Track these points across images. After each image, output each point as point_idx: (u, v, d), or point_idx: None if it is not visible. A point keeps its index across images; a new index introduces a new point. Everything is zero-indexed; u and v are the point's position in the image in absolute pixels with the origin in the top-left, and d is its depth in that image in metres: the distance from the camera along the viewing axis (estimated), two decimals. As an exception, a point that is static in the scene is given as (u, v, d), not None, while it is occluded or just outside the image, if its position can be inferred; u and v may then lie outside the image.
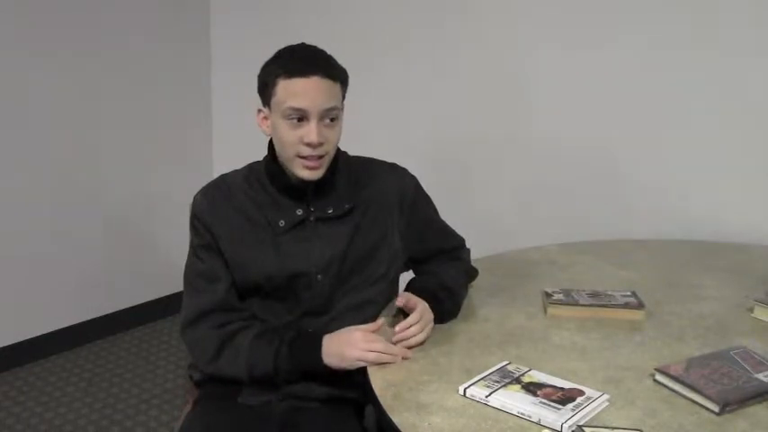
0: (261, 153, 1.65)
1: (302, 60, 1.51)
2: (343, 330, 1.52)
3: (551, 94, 2.57)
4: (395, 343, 1.47)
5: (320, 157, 1.53)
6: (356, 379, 1.55)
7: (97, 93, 3.14)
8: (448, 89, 2.80)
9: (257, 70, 1.57)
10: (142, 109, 3.31)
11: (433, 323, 1.53)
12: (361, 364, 1.45)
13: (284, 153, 1.55)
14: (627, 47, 2.40)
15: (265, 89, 1.55)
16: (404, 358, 1.45)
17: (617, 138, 2.47)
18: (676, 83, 2.34)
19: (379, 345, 1.45)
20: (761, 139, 2.24)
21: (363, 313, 1.59)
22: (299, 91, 1.49)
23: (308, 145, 1.51)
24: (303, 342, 1.53)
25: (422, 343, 1.49)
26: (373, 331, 1.50)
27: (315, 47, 1.57)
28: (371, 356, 1.44)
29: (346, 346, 1.47)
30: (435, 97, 2.83)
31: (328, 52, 1.57)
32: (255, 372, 1.54)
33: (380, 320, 1.54)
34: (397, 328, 1.47)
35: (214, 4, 3.47)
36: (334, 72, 1.53)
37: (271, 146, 1.62)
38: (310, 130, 1.50)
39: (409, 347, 1.47)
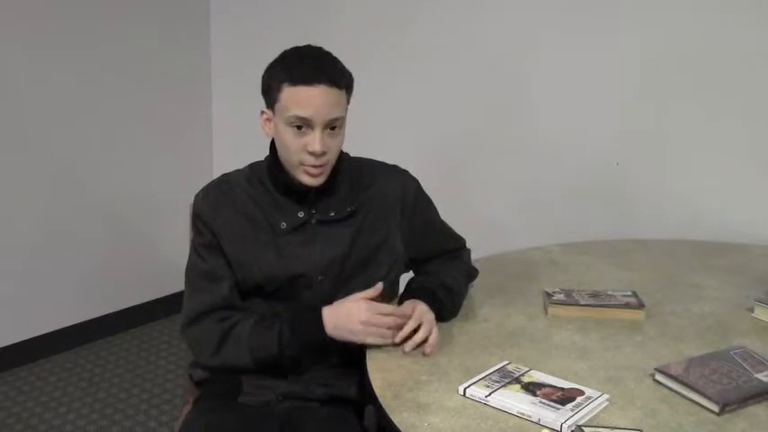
0: (261, 153, 1.65)
1: (308, 67, 1.49)
2: (345, 301, 1.51)
3: (552, 94, 2.57)
4: (408, 351, 1.47)
5: (322, 165, 1.53)
6: (356, 379, 1.56)
7: (97, 92, 3.14)
8: (448, 89, 2.80)
9: (257, 70, 1.57)
10: (142, 109, 3.31)
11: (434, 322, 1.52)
12: (370, 341, 1.46)
13: (287, 158, 1.55)
14: (627, 46, 2.40)
15: (269, 92, 1.54)
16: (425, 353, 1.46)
17: (617, 138, 2.47)
18: (677, 83, 2.34)
19: (388, 320, 1.46)
20: (761, 139, 2.25)
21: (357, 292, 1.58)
22: (304, 100, 1.48)
23: (311, 154, 1.51)
24: (303, 317, 1.53)
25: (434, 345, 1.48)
26: (374, 297, 1.49)
27: (321, 50, 1.55)
28: (373, 340, 1.46)
29: (353, 320, 1.47)
30: (436, 98, 2.83)
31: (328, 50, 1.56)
32: (260, 355, 1.53)
33: (379, 284, 1.53)
34: (398, 339, 1.47)
35: (214, 4, 3.47)
36: (339, 79, 1.52)
37: (272, 146, 1.61)
38: (314, 140, 1.50)
39: (432, 348, 1.46)
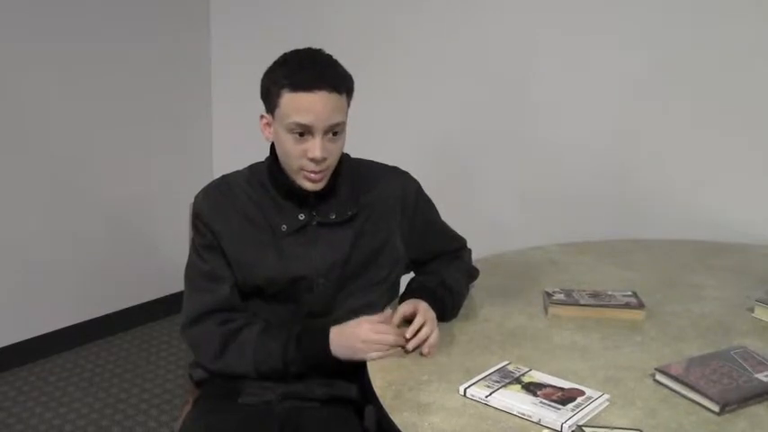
0: (261, 153, 1.65)
1: (308, 72, 1.48)
2: (351, 323, 1.51)
3: (552, 94, 2.57)
4: (411, 350, 1.47)
5: (323, 170, 1.53)
6: (356, 379, 1.56)
7: (97, 92, 3.14)
8: (448, 89, 2.79)
9: (257, 70, 1.56)
10: (142, 109, 3.31)
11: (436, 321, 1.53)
12: (371, 357, 1.45)
13: (287, 164, 1.55)
14: (628, 47, 2.40)
15: (269, 97, 1.53)
16: (424, 354, 1.46)
17: (618, 138, 2.47)
18: (677, 83, 2.34)
19: (390, 338, 1.46)
20: (761, 138, 2.25)
21: (364, 316, 1.59)
22: (304, 106, 1.47)
23: (312, 160, 1.50)
24: (311, 336, 1.53)
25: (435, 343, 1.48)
26: (381, 322, 1.50)
27: (321, 53, 1.54)
28: (376, 355, 1.45)
29: (355, 339, 1.47)
30: (436, 98, 2.83)
31: (328, 52, 1.55)
32: (263, 368, 1.54)
33: (388, 311, 1.54)
34: (408, 334, 1.47)
35: (214, 4, 3.47)
36: (340, 84, 1.51)
37: (273, 148, 1.61)
38: (314, 146, 1.49)
39: (430, 348, 1.46)
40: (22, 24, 2.87)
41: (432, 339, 1.47)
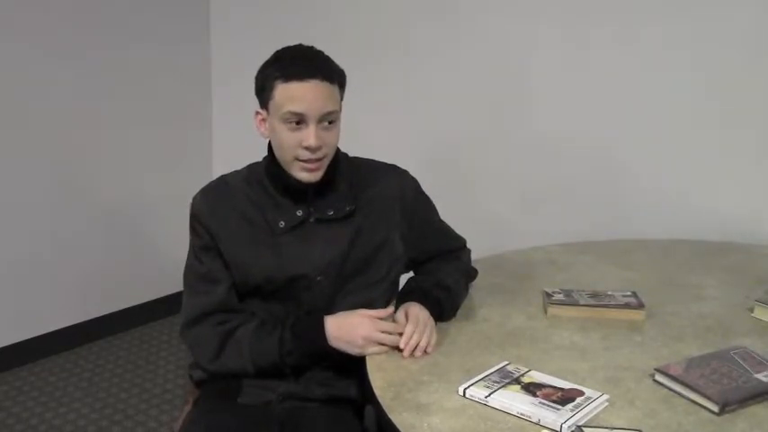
0: (260, 153, 1.65)
1: (300, 63, 1.51)
2: (350, 313, 1.52)
3: (552, 93, 2.57)
4: (406, 357, 1.47)
5: (319, 159, 1.54)
6: (356, 378, 1.56)
7: (97, 93, 3.14)
8: (448, 88, 2.79)
9: (257, 70, 1.57)
10: (142, 109, 3.31)
11: (432, 321, 1.53)
12: (369, 352, 1.46)
13: (282, 156, 1.56)
14: (628, 46, 2.40)
15: (263, 92, 1.55)
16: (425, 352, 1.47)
17: (617, 137, 2.47)
18: (678, 82, 2.34)
19: (392, 338, 1.47)
20: (761, 138, 2.24)
21: (363, 309, 1.59)
22: (298, 95, 1.49)
23: (307, 149, 1.51)
24: (305, 325, 1.54)
25: (431, 342, 1.48)
26: (382, 317, 1.51)
27: (312, 48, 1.57)
28: (376, 349, 1.46)
29: (356, 335, 1.48)
30: (435, 96, 2.83)
31: (328, 52, 1.57)
32: (261, 362, 1.54)
33: (390, 308, 1.55)
34: (402, 344, 1.47)
35: (214, 4, 3.47)
36: (332, 75, 1.53)
37: (271, 147, 1.61)
38: (309, 134, 1.50)
39: (422, 350, 1.46)
40: (22, 25, 2.86)
41: (423, 342, 1.47)
